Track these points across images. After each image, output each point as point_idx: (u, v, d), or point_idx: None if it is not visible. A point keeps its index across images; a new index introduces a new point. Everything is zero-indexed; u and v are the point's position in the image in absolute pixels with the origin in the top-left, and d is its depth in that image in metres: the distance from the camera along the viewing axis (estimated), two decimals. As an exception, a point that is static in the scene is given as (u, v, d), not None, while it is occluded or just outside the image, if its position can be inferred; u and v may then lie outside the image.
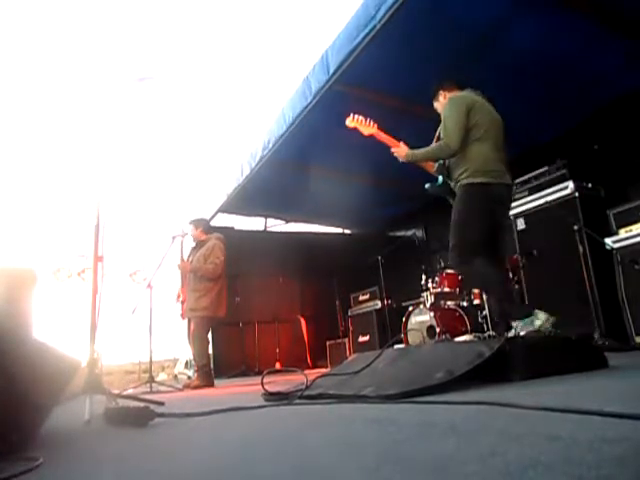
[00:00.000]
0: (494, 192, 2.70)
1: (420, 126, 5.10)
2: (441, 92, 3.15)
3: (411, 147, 5.18)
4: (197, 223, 5.08)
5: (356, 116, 3.18)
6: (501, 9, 3.62)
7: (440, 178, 3.07)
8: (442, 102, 3.12)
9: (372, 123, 3.14)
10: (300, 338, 7.85)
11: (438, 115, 5.21)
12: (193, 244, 5.03)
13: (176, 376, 9.17)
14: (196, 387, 4.44)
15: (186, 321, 5.12)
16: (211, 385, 4.56)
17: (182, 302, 4.97)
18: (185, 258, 4.97)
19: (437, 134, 3.13)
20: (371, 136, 3.17)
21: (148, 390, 4.39)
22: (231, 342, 7.17)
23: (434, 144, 2.97)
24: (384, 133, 3.15)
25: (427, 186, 3.10)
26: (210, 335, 4.99)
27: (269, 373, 2.71)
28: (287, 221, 8.28)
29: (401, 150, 3.07)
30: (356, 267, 7.13)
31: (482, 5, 3.54)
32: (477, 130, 2.82)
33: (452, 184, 2.94)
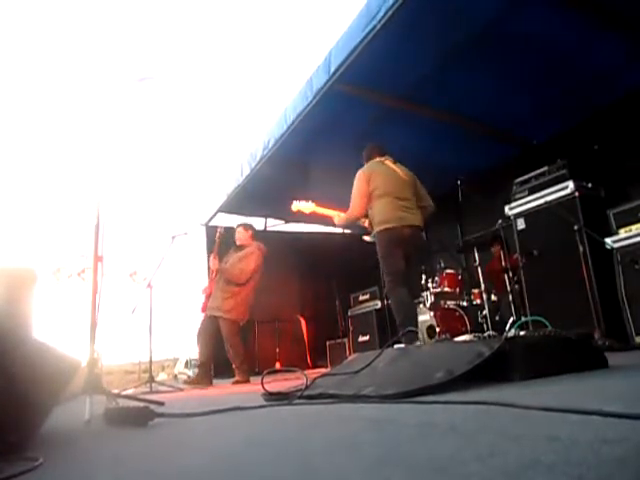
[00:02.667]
0: (395, 234, 3.56)
1: (419, 125, 5.14)
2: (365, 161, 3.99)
3: (409, 146, 5.27)
4: (248, 227, 5.21)
5: (296, 202, 4.05)
6: (501, 8, 3.62)
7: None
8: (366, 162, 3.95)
9: (310, 202, 4.03)
10: (300, 338, 7.85)
11: (436, 116, 5.26)
12: (234, 245, 5.11)
13: (176, 376, 9.18)
14: (238, 382, 4.57)
15: (199, 319, 5.10)
16: (209, 384, 4.61)
17: (207, 296, 4.96)
18: (221, 256, 5.00)
19: None
20: (313, 214, 4.06)
21: (148, 390, 4.39)
22: (231, 342, 7.16)
23: (341, 215, 3.88)
24: (322, 207, 3.99)
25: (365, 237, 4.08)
26: (210, 335, 4.98)
27: (269, 373, 2.72)
28: (287, 221, 8.27)
29: (335, 218, 3.93)
30: (356, 267, 7.13)
31: (483, 5, 3.54)
32: (377, 191, 3.69)
33: None
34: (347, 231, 9.02)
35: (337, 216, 3.92)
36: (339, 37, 4.01)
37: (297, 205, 4.07)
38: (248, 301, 4.87)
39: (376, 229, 3.62)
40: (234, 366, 4.82)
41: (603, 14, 3.67)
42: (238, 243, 5.06)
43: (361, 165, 4.26)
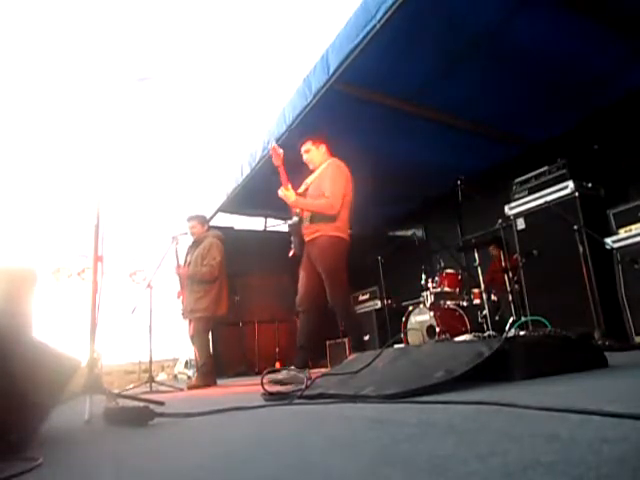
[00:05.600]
0: (348, 247, 3.52)
1: (420, 126, 5.14)
2: (313, 142, 3.70)
3: (409, 146, 5.26)
4: (201, 219, 5.09)
5: (276, 145, 3.62)
6: (501, 9, 3.62)
7: (296, 218, 3.64)
8: (316, 151, 3.68)
9: (281, 157, 3.58)
10: (300, 338, 7.83)
11: (436, 116, 5.19)
12: (190, 242, 5.03)
13: (176, 376, 9.17)
14: (195, 387, 4.44)
15: (187, 321, 5.12)
16: (213, 384, 4.57)
17: (182, 301, 4.97)
18: (182, 258, 4.96)
19: (307, 186, 3.66)
20: (277, 167, 3.61)
21: (148, 390, 4.39)
22: (231, 342, 7.17)
23: (321, 200, 3.46)
24: (284, 171, 3.58)
25: (289, 222, 3.71)
26: (210, 335, 4.99)
27: (269, 373, 2.72)
28: (287, 221, 8.26)
29: (289, 194, 3.53)
30: (356, 267, 7.11)
31: (482, 5, 3.54)
32: (348, 197, 3.56)
33: (306, 224, 3.55)
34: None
35: (291, 190, 3.51)
36: (335, 35, 3.99)
37: (273, 149, 3.61)
38: (222, 296, 4.80)
39: (336, 233, 3.45)
40: (196, 367, 4.78)
41: (604, 14, 3.67)
42: (194, 238, 4.95)
43: (363, 165, 4.20)
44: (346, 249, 3.52)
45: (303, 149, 3.71)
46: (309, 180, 3.69)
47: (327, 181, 3.49)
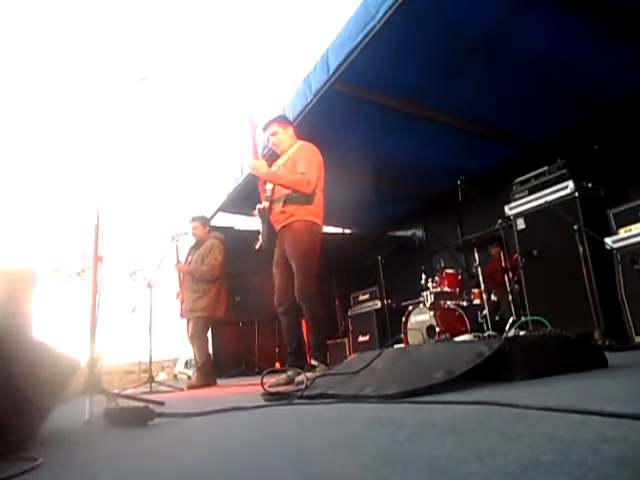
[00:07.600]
0: (321, 235, 3.35)
1: (420, 126, 5.14)
2: (280, 124, 3.50)
3: (409, 147, 5.20)
4: (204, 220, 5.10)
5: (254, 116, 3.49)
6: (502, 10, 3.62)
7: (266, 203, 3.42)
8: (284, 132, 3.49)
9: (255, 129, 3.48)
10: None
11: (436, 116, 5.18)
12: (192, 243, 5.03)
13: (176, 376, 9.17)
14: (195, 387, 4.44)
15: (185, 321, 5.12)
16: (213, 384, 4.57)
17: (181, 301, 4.97)
18: (183, 258, 4.97)
19: (278, 167, 3.45)
20: (253, 134, 3.47)
21: (148, 390, 4.39)
22: (231, 342, 7.16)
23: (298, 176, 3.22)
24: (255, 143, 3.46)
25: (259, 206, 3.44)
26: (210, 335, 4.99)
27: (269, 373, 2.72)
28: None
29: (261, 166, 3.28)
30: (356, 267, 7.13)
31: (483, 5, 3.54)
32: (321, 182, 3.34)
33: (278, 208, 3.31)
34: (347, 231, 9.04)
35: (263, 163, 3.31)
36: (335, 35, 3.99)
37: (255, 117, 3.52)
38: (221, 297, 4.79)
39: (312, 218, 3.26)
40: (196, 367, 4.79)
41: (605, 16, 3.67)
42: (196, 239, 4.95)
43: (363, 165, 4.19)
44: (321, 237, 3.32)
45: (269, 132, 3.50)
46: (280, 162, 3.48)
47: (301, 160, 3.29)
